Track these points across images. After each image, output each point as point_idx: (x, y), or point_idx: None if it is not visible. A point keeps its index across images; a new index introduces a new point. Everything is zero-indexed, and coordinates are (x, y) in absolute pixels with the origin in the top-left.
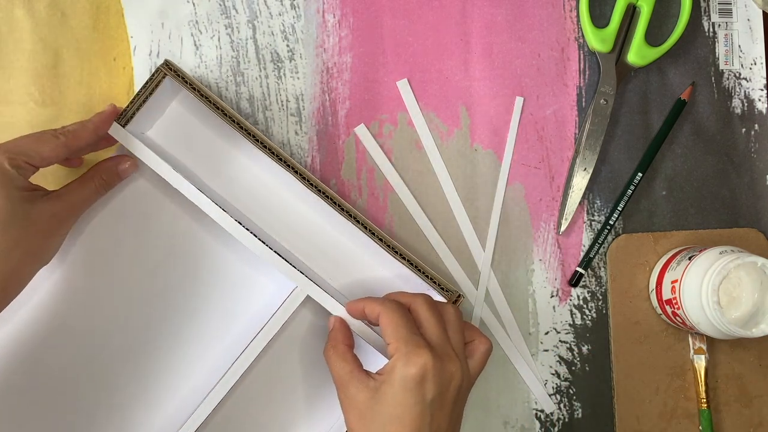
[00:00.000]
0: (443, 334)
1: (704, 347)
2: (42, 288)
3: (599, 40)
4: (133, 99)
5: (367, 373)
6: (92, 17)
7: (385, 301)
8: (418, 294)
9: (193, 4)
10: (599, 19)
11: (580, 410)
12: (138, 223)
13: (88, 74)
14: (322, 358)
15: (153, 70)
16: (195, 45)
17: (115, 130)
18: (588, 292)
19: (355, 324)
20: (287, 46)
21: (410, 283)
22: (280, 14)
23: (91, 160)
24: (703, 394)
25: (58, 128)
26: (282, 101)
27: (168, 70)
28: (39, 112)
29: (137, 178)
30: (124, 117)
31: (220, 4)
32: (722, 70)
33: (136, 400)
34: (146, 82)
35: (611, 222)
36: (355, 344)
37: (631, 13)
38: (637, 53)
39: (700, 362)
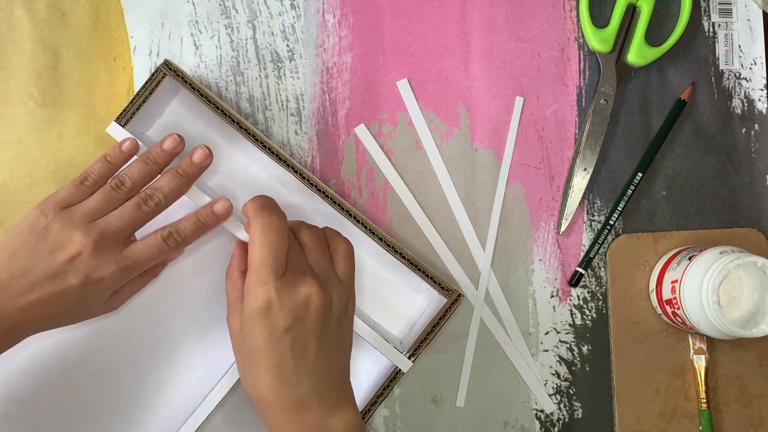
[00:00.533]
0: (299, 256)
1: (704, 347)
2: None
3: (599, 40)
4: (133, 99)
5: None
6: (92, 17)
7: (264, 214)
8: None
9: (193, 4)
10: (599, 19)
11: (580, 410)
12: None
13: (88, 74)
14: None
15: (153, 70)
16: (195, 45)
17: (115, 130)
18: (588, 292)
19: (364, 330)
20: (287, 46)
21: (410, 282)
22: (280, 14)
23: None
24: (703, 394)
25: (167, 230)
26: (282, 101)
27: (168, 70)
28: (39, 111)
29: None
30: (124, 117)
31: (220, 4)
32: (722, 70)
33: (136, 402)
34: (146, 82)
35: (611, 222)
36: None
37: (631, 13)
38: (638, 53)
39: (700, 362)
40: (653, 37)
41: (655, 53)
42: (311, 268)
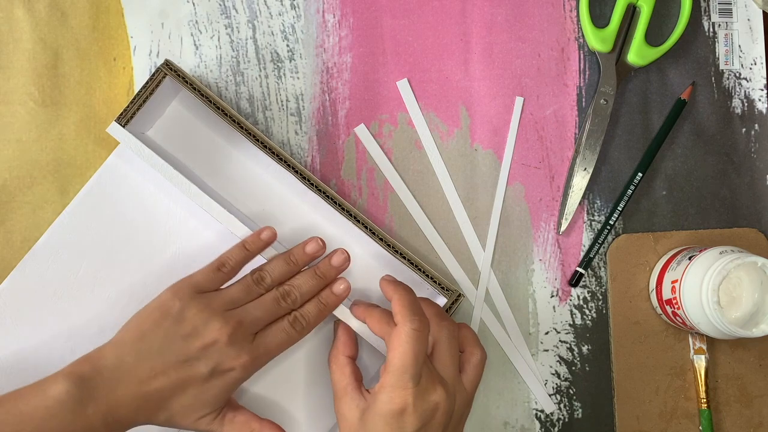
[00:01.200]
0: (432, 363)
1: (704, 347)
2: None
3: (599, 40)
4: (134, 98)
5: (361, 390)
6: (92, 17)
7: (414, 321)
8: (443, 321)
9: (193, 4)
10: (599, 19)
11: (580, 410)
12: (138, 222)
13: (88, 74)
14: (324, 360)
15: (153, 70)
16: (195, 45)
17: (115, 130)
18: (588, 292)
19: (356, 324)
20: (287, 46)
21: (410, 282)
22: (280, 14)
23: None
24: (703, 394)
25: (292, 315)
26: (282, 101)
27: (168, 69)
28: (39, 112)
29: (137, 179)
30: (124, 116)
31: (220, 4)
32: (722, 70)
33: None
34: (146, 82)
35: (611, 222)
36: (358, 353)
37: (631, 13)
38: (638, 53)
39: (701, 362)
40: (653, 37)
41: (655, 53)
42: (441, 376)
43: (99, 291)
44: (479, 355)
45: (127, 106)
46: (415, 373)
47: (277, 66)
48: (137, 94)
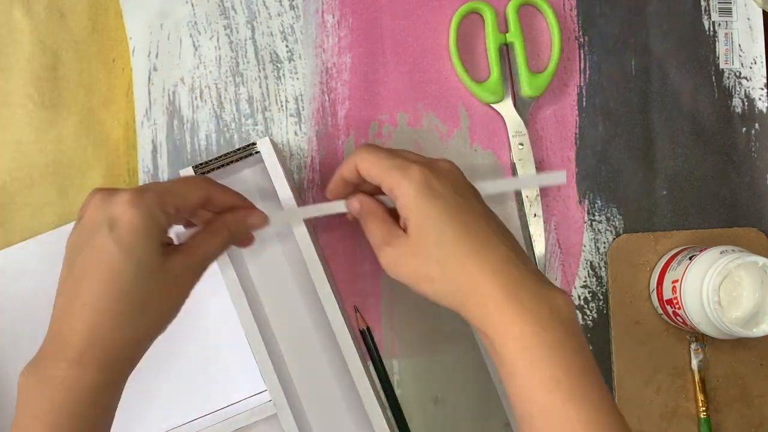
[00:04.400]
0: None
1: (705, 347)
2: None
3: (489, 93)
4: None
5: (395, 232)
6: (91, 18)
7: (352, 155)
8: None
9: (192, 5)
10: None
11: None
12: None
13: (88, 76)
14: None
15: (151, 71)
16: (194, 46)
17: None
18: (588, 292)
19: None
20: (286, 46)
21: None
22: (279, 15)
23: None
24: (702, 403)
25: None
26: (281, 102)
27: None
28: (38, 113)
29: None
30: (203, 167)
31: (219, 5)
32: (722, 69)
33: None
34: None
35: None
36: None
37: (506, 52)
38: (529, 85)
39: (700, 366)
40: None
41: (545, 79)
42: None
43: None
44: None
45: (211, 161)
46: (399, 159)
47: (277, 67)
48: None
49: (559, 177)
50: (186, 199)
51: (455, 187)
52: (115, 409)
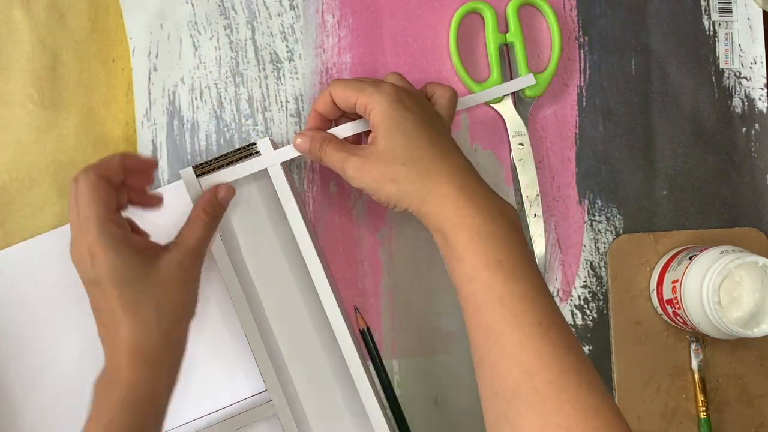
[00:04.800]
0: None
1: (705, 347)
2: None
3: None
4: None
5: (357, 147)
6: (91, 18)
7: (324, 89)
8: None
9: (192, 5)
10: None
11: None
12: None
13: (87, 76)
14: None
15: (151, 71)
16: (194, 46)
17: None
18: (589, 292)
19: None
20: (286, 46)
21: None
22: (279, 15)
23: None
24: (702, 403)
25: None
26: (281, 102)
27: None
28: (38, 113)
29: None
30: (202, 167)
31: (219, 5)
32: (722, 69)
33: None
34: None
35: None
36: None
37: (506, 52)
38: (529, 86)
39: (701, 363)
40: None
41: (545, 79)
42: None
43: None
44: (450, 91)
45: (211, 161)
46: (371, 81)
47: (277, 67)
48: (224, 155)
49: (528, 80)
50: (103, 163)
51: (422, 106)
52: (168, 403)
